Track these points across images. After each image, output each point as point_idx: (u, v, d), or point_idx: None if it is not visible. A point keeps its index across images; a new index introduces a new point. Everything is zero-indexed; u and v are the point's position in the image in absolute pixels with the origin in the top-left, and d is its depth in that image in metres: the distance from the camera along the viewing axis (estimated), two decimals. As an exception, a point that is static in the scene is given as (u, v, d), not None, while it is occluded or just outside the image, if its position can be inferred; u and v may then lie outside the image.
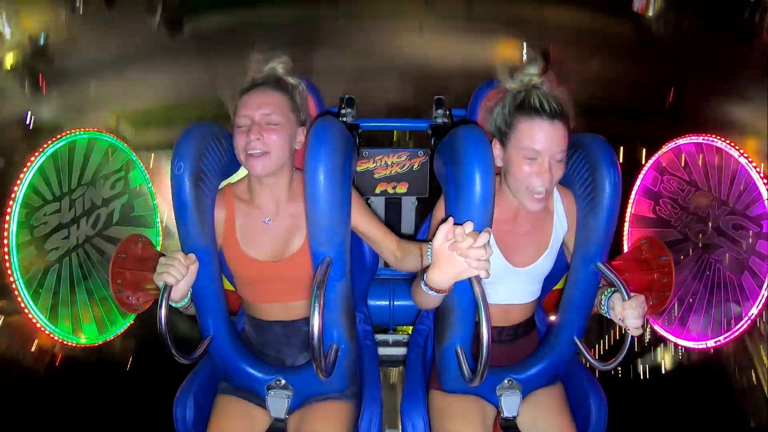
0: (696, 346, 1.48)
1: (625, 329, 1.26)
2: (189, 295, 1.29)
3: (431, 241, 1.18)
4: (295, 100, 1.35)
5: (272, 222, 1.37)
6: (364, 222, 1.38)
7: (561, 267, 1.49)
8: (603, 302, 1.34)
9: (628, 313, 1.23)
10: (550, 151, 1.24)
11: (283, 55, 1.36)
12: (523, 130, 1.25)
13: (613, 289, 1.32)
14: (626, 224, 1.72)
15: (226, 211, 1.37)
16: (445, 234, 1.05)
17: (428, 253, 1.18)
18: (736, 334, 1.38)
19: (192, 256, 1.23)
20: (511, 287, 1.41)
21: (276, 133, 1.27)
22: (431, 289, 1.14)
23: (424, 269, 1.17)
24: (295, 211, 1.36)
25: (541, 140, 1.23)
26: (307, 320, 1.38)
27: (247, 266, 1.37)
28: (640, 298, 1.24)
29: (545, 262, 1.42)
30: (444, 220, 1.07)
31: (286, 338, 1.44)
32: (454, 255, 1.04)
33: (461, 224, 1.03)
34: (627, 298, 1.24)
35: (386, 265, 2.05)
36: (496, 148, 1.33)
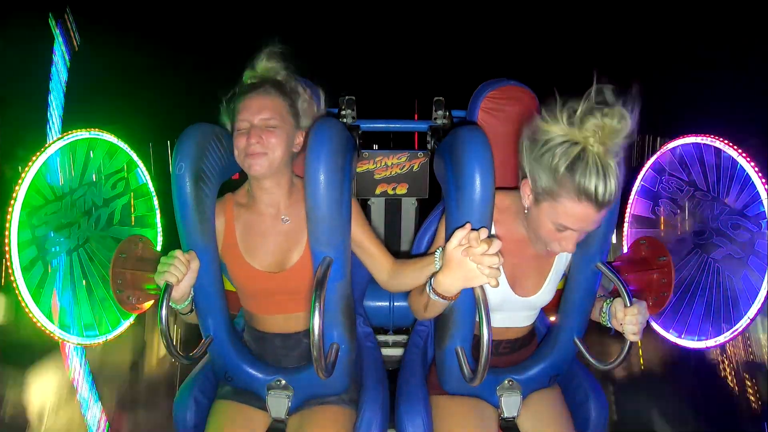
0: (696, 346, 1.48)
1: (624, 336, 1.26)
2: (190, 297, 1.29)
3: (438, 250, 1.18)
4: (295, 104, 1.35)
5: (273, 228, 1.37)
6: (361, 234, 1.37)
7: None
8: (604, 309, 1.34)
9: (628, 319, 1.22)
10: (584, 230, 1.17)
11: (278, 55, 1.36)
12: (564, 208, 1.13)
13: (613, 297, 1.32)
14: (626, 224, 1.73)
15: (225, 219, 1.37)
16: (459, 239, 1.05)
17: (436, 260, 1.18)
18: (736, 333, 1.38)
19: (192, 252, 1.24)
20: (510, 314, 1.40)
21: (274, 135, 1.28)
22: (438, 294, 1.13)
23: (430, 277, 1.16)
24: (296, 219, 1.36)
25: (579, 222, 1.14)
26: (306, 333, 1.39)
27: (249, 276, 1.36)
28: (642, 305, 1.23)
29: (545, 294, 1.39)
30: (461, 226, 1.06)
31: (285, 350, 1.43)
32: (466, 260, 1.04)
33: (477, 230, 1.04)
34: (629, 304, 1.24)
35: None
36: (527, 188, 1.22)
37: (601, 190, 1.08)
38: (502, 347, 1.46)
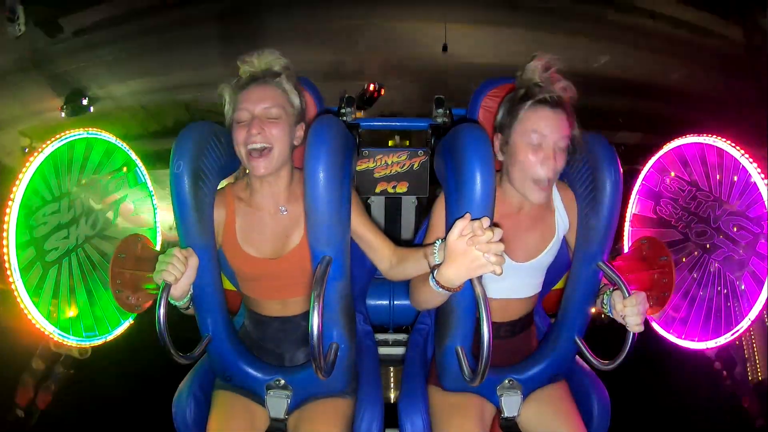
0: (696, 347, 1.48)
1: (626, 327, 1.26)
2: (189, 294, 1.29)
3: (436, 241, 1.18)
4: (294, 96, 1.35)
5: (272, 219, 1.37)
6: (360, 225, 1.37)
7: (562, 266, 1.49)
8: (605, 301, 1.34)
9: (628, 310, 1.23)
10: (553, 137, 1.28)
11: (275, 50, 1.36)
12: (527, 119, 1.30)
13: (614, 288, 1.32)
14: (627, 224, 1.72)
15: (227, 212, 1.37)
16: (461, 229, 1.05)
17: (435, 252, 1.18)
18: (737, 334, 1.37)
19: (189, 249, 1.23)
20: (512, 281, 1.41)
21: (276, 126, 1.28)
22: (442, 287, 1.13)
23: (431, 269, 1.16)
24: (294, 210, 1.36)
25: (544, 127, 1.28)
26: (305, 315, 1.39)
27: (245, 263, 1.37)
28: (641, 295, 1.24)
29: (546, 257, 1.42)
30: (457, 219, 1.06)
31: (285, 334, 1.44)
32: (471, 250, 1.04)
33: (479, 219, 1.03)
34: (627, 296, 1.24)
35: None
36: (497, 141, 1.36)
37: (546, 94, 1.28)
38: (503, 330, 1.46)
